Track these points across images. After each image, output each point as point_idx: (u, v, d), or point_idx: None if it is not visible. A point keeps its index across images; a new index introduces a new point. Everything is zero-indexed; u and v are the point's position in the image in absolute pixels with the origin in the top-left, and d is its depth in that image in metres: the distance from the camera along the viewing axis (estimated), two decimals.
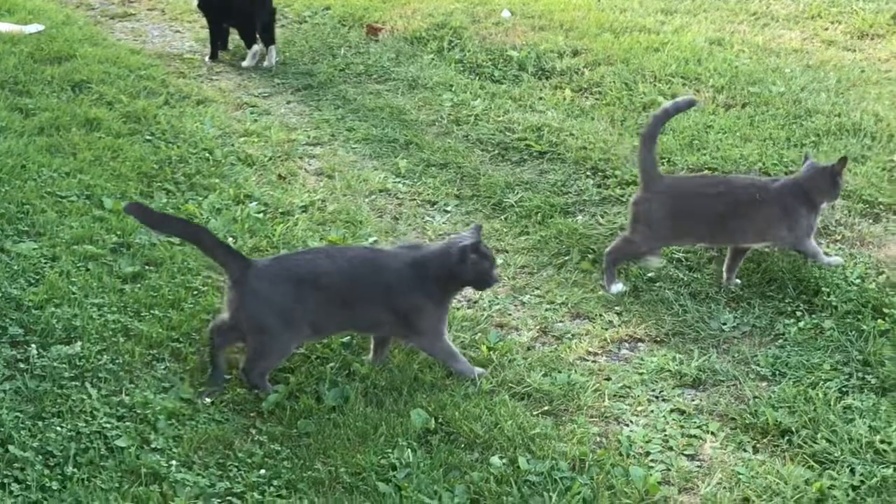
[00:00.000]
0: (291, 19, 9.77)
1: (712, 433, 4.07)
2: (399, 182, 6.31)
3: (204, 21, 8.97)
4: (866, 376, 4.37)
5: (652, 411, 4.21)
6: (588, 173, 6.38)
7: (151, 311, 4.65)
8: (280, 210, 5.78)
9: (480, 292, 4.92)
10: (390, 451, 3.83)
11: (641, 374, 4.45)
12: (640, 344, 4.71)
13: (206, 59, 8.67)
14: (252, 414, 4.08)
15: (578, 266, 5.31)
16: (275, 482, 3.68)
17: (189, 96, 7.61)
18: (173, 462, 3.75)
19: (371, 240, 5.48)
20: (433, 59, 8.44)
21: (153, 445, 3.83)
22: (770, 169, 6.28)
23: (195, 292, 4.83)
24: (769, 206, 5.02)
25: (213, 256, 4.28)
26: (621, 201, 6.00)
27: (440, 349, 4.33)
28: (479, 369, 4.37)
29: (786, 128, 6.92)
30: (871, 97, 7.47)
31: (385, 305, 4.22)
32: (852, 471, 3.81)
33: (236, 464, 3.78)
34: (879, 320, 4.69)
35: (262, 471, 3.73)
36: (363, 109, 7.44)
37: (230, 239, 5.34)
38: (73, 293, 4.70)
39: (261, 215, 5.68)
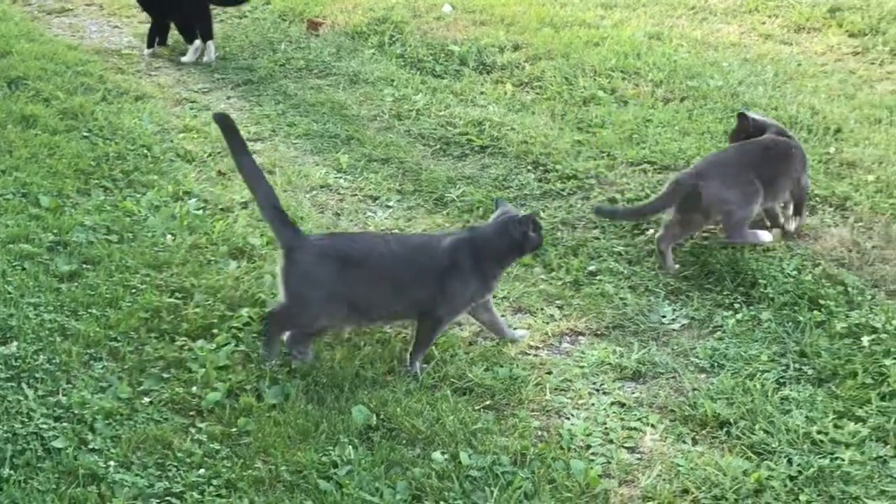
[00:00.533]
0: (231, 14, 9.70)
1: (652, 425, 4.10)
2: (340, 177, 6.29)
3: (143, 16, 8.88)
4: (803, 367, 4.42)
5: (593, 404, 4.23)
6: (529, 167, 6.39)
7: (89, 310, 4.60)
8: (220, 206, 5.75)
9: None
10: (331, 448, 3.82)
11: (582, 367, 4.47)
12: (580, 337, 4.74)
13: (144, 51, 8.59)
14: (191, 413, 4.05)
15: (520, 261, 5.31)
16: (214, 482, 3.66)
17: (127, 92, 7.54)
18: (111, 462, 3.72)
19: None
20: (374, 53, 8.42)
21: (91, 446, 3.80)
22: None
23: (133, 290, 4.79)
24: None
25: (265, 218, 4.42)
26: (562, 195, 6.03)
27: (437, 326, 4.37)
28: (423, 365, 4.37)
29: (724, 121, 6.97)
30: (808, 90, 7.55)
31: (435, 288, 4.31)
32: (790, 461, 3.86)
33: (175, 463, 3.75)
34: (815, 311, 4.75)
35: (202, 470, 3.71)
36: (304, 105, 7.40)
37: (169, 236, 5.30)
38: (9, 292, 4.64)
39: (200, 212, 5.64)
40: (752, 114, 5.76)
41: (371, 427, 3.97)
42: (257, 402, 4.08)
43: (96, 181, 5.95)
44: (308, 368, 4.28)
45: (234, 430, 3.94)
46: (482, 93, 7.62)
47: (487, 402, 4.20)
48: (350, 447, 3.82)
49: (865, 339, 4.53)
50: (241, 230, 5.43)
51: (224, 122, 4.51)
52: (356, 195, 6.07)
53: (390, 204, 5.95)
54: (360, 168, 6.40)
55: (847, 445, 3.93)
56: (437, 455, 3.82)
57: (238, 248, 5.27)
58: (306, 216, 5.67)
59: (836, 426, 4.03)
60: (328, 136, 6.87)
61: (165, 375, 4.24)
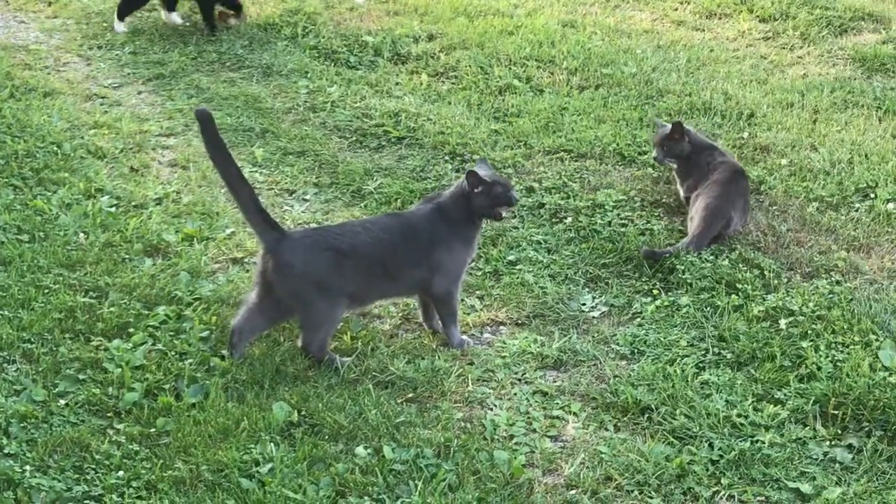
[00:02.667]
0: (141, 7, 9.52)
1: (574, 414, 4.12)
2: (256, 171, 6.21)
3: (50, 11, 8.70)
4: (722, 351, 4.46)
5: (515, 394, 4.23)
6: (446, 158, 6.37)
7: (0, 312, 4.50)
8: (133, 203, 5.65)
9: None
10: (253, 446, 3.78)
11: (504, 357, 4.46)
12: (501, 327, 4.74)
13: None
14: (109, 414, 3.98)
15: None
16: (134, 483, 3.61)
17: (35, 88, 7.37)
18: (27, 467, 3.65)
19: (229, 231, 5.39)
20: (287, 45, 8.32)
21: (6, 450, 3.73)
22: (624, 150, 6.37)
23: (46, 291, 4.70)
24: None
25: (247, 218, 4.40)
26: None
27: (449, 299, 4.50)
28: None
29: (638, 108, 7.02)
30: (721, 76, 7.63)
31: (426, 262, 4.44)
32: (711, 445, 3.90)
33: (94, 466, 3.69)
34: (733, 296, 4.80)
35: (121, 472, 3.66)
36: (217, 98, 7.30)
37: (81, 235, 5.20)
38: None
39: (113, 209, 5.54)
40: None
41: (293, 423, 3.93)
42: (176, 402, 4.02)
43: (5, 180, 5.81)
44: (227, 366, 4.22)
45: (153, 430, 3.88)
46: (398, 83, 7.58)
47: (410, 395, 4.18)
48: (272, 444, 3.78)
49: (783, 322, 4.59)
50: (155, 227, 5.34)
51: (205, 118, 4.40)
52: (272, 189, 6.00)
53: (307, 197, 5.90)
54: (275, 161, 6.33)
55: (767, 428, 3.98)
56: (360, 450, 3.79)
57: (153, 245, 5.19)
58: (222, 211, 5.59)
59: (755, 409, 4.08)
60: (242, 129, 6.79)
61: (81, 377, 4.17)
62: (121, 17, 8.65)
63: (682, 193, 5.72)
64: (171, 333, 4.44)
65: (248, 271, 5.01)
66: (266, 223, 4.31)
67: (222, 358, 4.29)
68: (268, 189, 5.99)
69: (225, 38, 8.48)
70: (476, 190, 4.47)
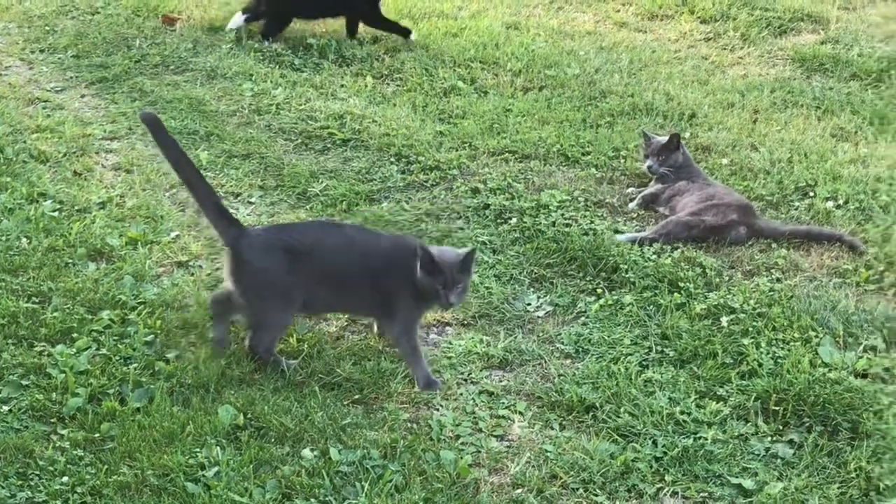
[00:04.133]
0: (83, 10, 9.46)
1: (520, 413, 4.14)
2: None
3: None
4: (665, 349, 4.51)
5: (461, 394, 4.25)
6: (392, 160, 6.39)
7: None
8: (76, 208, 5.60)
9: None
10: (199, 450, 3.77)
11: (450, 357, 4.48)
12: (447, 328, 4.75)
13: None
14: (52, 420, 3.95)
15: None
16: (79, 489, 3.58)
17: None
18: None
19: (174, 234, 5.37)
20: (231, 48, 8.30)
21: None
22: (568, 151, 6.42)
23: None
24: None
25: (205, 214, 4.38)
26: (425, 186, 6.04)
27: (403, 341, 4.33)
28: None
29: (581, 109, 7.07)
30: (662, 77, 7.71)
31: (378, 297, 4.34)
32: (654, 443, 3.93)
33: (37, 472, 3.66)
34: (675, 294, 4.86)
35: (65, 478, 3.63)
36: (161, 101, 7.26)
37: (24, 240, 5.15)
38: None
39: (56, 213, 5.49)
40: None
41: (239, 426, 3.92)
42: (121, 406, 4.00)
43: None
44: (172, 369, 4.20)
45: (98, 435, 3.85)
46: (342, 86, 7.59)
47: (356, 397, 4.19)
48: (217, 448, 3.77)
49: (724, 320, 4.65)
50: (99, 231, 5.30)
51: (151, 121, 4.42)
52: (217, 192, 5.97)
53: (253, 200, 5.88)
54: (220, 164, 6.31)
55: (710, 425, 4.02)
56: (306, 452, 3.79)
57: (96, 249, 5.16)
58: (167, 215, 5.57)
59: (698, 406, 4.13)
60: (187, 132, 6.75)
61: (24, 382, 4.13)
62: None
63: (651, 197, 5.81)
64: (116, 338, 4.41)
65: (192, 275, 4.99)
66: (224, 219, 4.30)
67: (167, 362, 4.27)
68: None
69: (169, 42, 8.44)
70: (422, 270, 4.21)
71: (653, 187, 5.88)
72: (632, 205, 5.83)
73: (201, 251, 5.21)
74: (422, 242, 4.28)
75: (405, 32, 8.47)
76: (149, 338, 4.43)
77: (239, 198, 5.91)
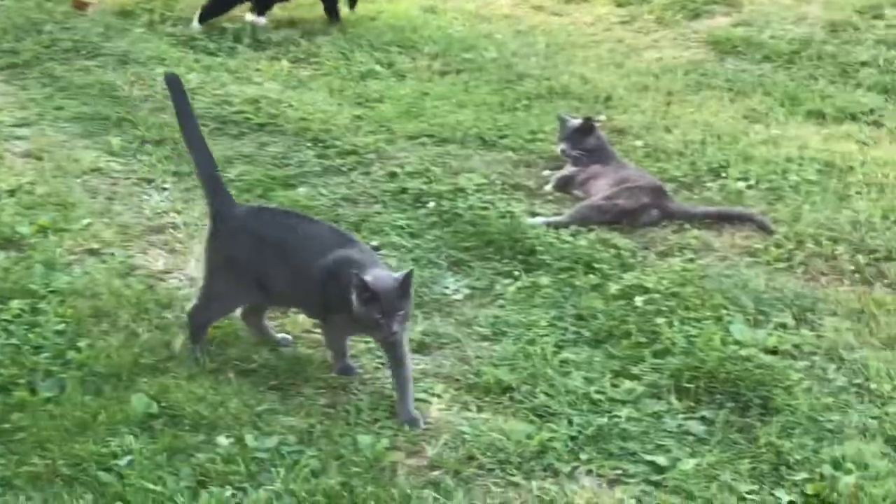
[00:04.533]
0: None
1: (438, 396, 4.14)
2: (113, 161, 6.09)
3: None
4: (580, 330, 4.54)
5: (378, 378, 4.24)
6: (308, 144, 6.36)
7: None
8: None
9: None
10: (111, 439, 3.71)
11: (367, 342, 4.46)
12: None
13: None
14: None
15: None
16: None
17: None
18: None
19: (85, 222, 5.29)
20: (144, 32, 8.18)
21: None
22: (485, 134, 6.44)
23: None
24: None
25: (201, 181, 4.39)
26: (342, 171, 6.02)
27: (334, 343, 4.24)
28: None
29: (499, 93, 7.10)
30: (579, 60, 7.76)
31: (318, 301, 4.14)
32: (570, 422, 3.96)
33: None
34: (591, 275, 4.90)
35: None
36: (72, 87, 7.15)
37: None
38: None
39: None
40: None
41: (152, 415, 3.87)
42: (31, 396, 3.92)
43: None
44: (84, 358, 4.15)
45: (8, 426, 3.78)
46: (258, 70, 7.53)
47: (272, 383, 4.16)
48: (130, 437, 3.72)
49: (638, 300, 4.70)
50: (8, 219, 5.20)
51: (174, 83, 4.43)
52: (130, 178, 5.90)
53: (166, 186, 5.81)
54: (133, 150, 6.23)
55: (624, 403, 4.06)
56: (221, 439, 3.76)
57: (6, 237, 5.06)
58: (77, 202, 5.49)
59: (613, 385, 4.17)
60: (98, 118, 6.65)
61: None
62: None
63: (565, 180, 5.84)
64: (26, 327, 4.34)
65: (104, 262, 4.93)
66: (217, 189, 4.29)
67: (79, 351, 4.20)
68: (125, 178, 5.89)
69: (80, 27, 8.31)
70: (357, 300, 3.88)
71: (567, 170, 5.91)
72: (547, 187, 5.87)
73: (113, 238, 5.14)
74: (356, 268, 3.90)
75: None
76: (60, 327, 4.37)
77: (152, 184, 5.84)
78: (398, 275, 3.92)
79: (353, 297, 3.86)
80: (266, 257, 4.16)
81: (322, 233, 4.20)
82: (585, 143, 5.90)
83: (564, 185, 5.84)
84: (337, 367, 4.24)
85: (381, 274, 3.94)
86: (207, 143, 4.42)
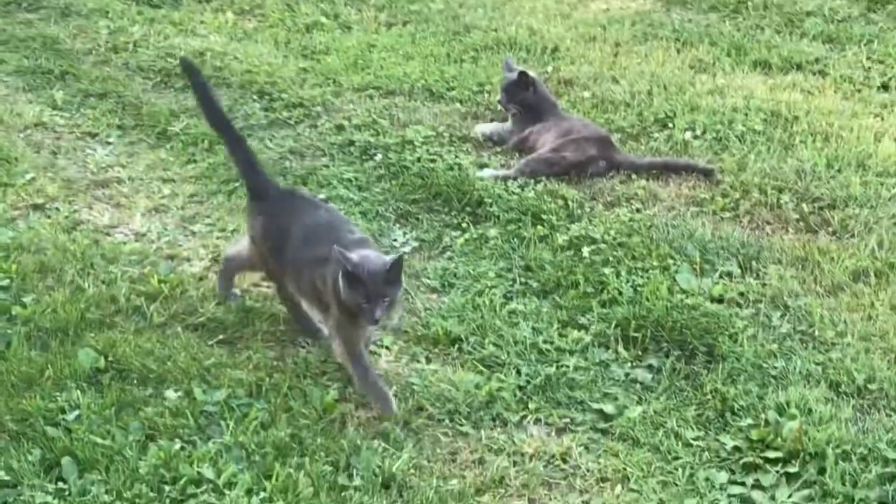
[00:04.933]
0: None
1: (387, 348, 4.15)
2: (56, 115, 6.02)
3: None
4: (528, 281, 4.56)
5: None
6: (254, 97, 6.31)
7: None
8: None
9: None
10: (58, 394, 3.70)
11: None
12: None
13: None
14: None
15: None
16: None
17: None
18: None
19: (29, 176, 5.22)
20: None
21: None
22: (432, 86, 6.41)
23: None
24: None
25: (238, 164, 4.30)
26: (289, 124, 5.98)
27: (349, 363, 3.88)
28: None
29: (446, 44, 7.07)
30: (526, 11, 7.74)
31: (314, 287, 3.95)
32: (518, 372, 3.99)
33: None
34: (538, 226, 4.91)
35: None
36: (14, 40, 7.03)
37: None
38: None
39: None
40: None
41: (100, 370, 3.85)
42: None
43: None
44: (29, 314, 4.11)
45: None
46: (202, 22, 7.45)
47: (221, 337, 4.15)
48: (78, 391, 3.70)
49: (586, 250, 4.72)
50: None
51: (190, 68, 4.36)
52: (74, 132, 5.83)
53: (110, 140, 5.75)
54: (76, 104, 6.15)
55: (571, 353, 4.10)
56: (169, 393, 3.76)
57: None
58: (21, 156, 5.41)
59: (560, 335, 4.20)
60: (41, 72, 6.55)
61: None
62: None
63: (511, 140, 5.81)
64: None
65: (49, 217, 4.88)
66: (253, 165, 4.25)
67: (24, 306, 4.17)
68: (69, 133, 5.82)
69: None
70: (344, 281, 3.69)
71: (509, 125, 5.87)
72: (474, 133, 5.86)
73: (57, 193, 5.09)
74: (340, 246, 3.70)
75: None
76: (4, 282, 4.33)
77: (96, 138, 5.78)
78: (388, 257, 3.72)
79: (340, 278, 3.68)
80: (276, 238, 4.08)
81: (328, 224, 4.01)
82: (521, 97, 5.85)
83: (519, 146, 5.77)
84: (368, 385, 3.84)
85: (371, 255, 3.74)
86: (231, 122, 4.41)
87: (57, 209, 4.97)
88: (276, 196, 4.20)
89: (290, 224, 4.05)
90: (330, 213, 4.17)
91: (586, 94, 6.34)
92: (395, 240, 4.90)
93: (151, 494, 3.28)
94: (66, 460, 3.40)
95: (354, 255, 3.67)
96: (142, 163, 5.45)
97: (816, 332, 4.22)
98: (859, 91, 6.57)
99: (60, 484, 3.32)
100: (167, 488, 3.30)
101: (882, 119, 6.13)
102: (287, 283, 4.14)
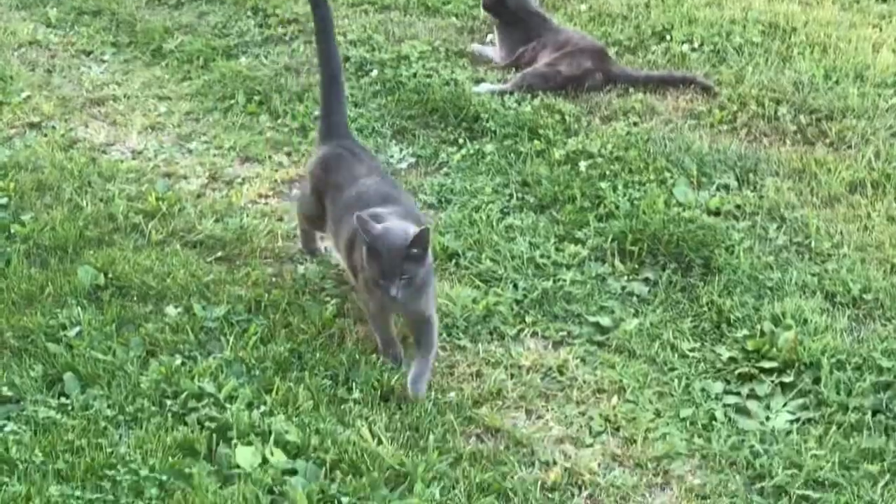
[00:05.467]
0: None
1: None
2: (50, 32, 5.99)
3: None
4: (525, 196, 4.56)
5: (326, 248, 4.25)
6: (249, 13, 6.27)
7: None
8: None
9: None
10: (59, 310, 3.73)
11: None
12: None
13: None
14: None
15: (245, 109, 5.25)
16: None
17: None
18: None
19: (24, 95, 5.20)
20: None
21: None
22: (427, 0, 6.36)
23: None
24: None
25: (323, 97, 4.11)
26: (284, 40, 5.96)
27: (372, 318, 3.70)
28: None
29: None
30: None
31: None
32: (515, 286, 4.01)
33: None
34: (535, 141, 4.91)
35: None
36: None
37: None
38: None
39: None
40: None
41: (99, 287, 3.88)
42: None
43: None
44: (28, 231, 4.12)
45: None
46: None
47: (219, 254, 4.17)
48: (78, 308, 3.73)
49: (582, 164, 4.72)
50: None
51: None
52: (68, 50, 5.81)
53: (105, 58, 5.73)
54: (70, 22, 6.12)
55: (568, 267, 4.11)
56: (170, 309, 3.78)
57: None
58: (16, 75, 5.39)
59: (557, 249, 4.21)
60: None
61: None
62: None
63: (497, 56, 5.77)
64: None
65: (45, 135, 4.88)
66: (332, 113, 4.08)
67: (22, 224, 4.19)
68: (63, 50, 5.80)
69: None
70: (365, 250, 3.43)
71: (495, 38, 5.83)
72: (474, 49, 5.84)
73: (53, 111, 5.08)
74: (364, 212, 3.47)
75: None
76: (3, 200, 4.34)
77: (90, 56, 5.76)
78: (412, 231, 3.40)
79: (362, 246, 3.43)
80: (328, 192, 3.92)
81: (371, 189, 3.78)
82: (499, 7, 5.80)
83: (516, 62, 5.73)
84: (385, 354, 3.67)
85: (394, 227, 3.44)
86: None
87: (53, 127, 4.97)
88: (342, 144, 4.02)
89: (343, 178, 3.87)
90: (385, 182, 3.90)
91: (583, 6, 6.30)
92: (392, 156, 4.90)
93: (153, 408, 3.31)
94: (68, 376, 3.43)
95: (377, 227, 3.40)
96: (137, 81, 5.44)
97: (813, 244, 4.23)
98: (857, 2, 6.52)
99: (63, 399, 3.35)
100: (169, 402, 3.32)
101: (880, 30, 6.09)
102: (327, 231, 4.00)
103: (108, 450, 3.12)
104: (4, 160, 4.61)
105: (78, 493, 2.96)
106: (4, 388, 3.37)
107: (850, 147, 4.93)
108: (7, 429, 3.21)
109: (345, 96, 4.23)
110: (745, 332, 3.74)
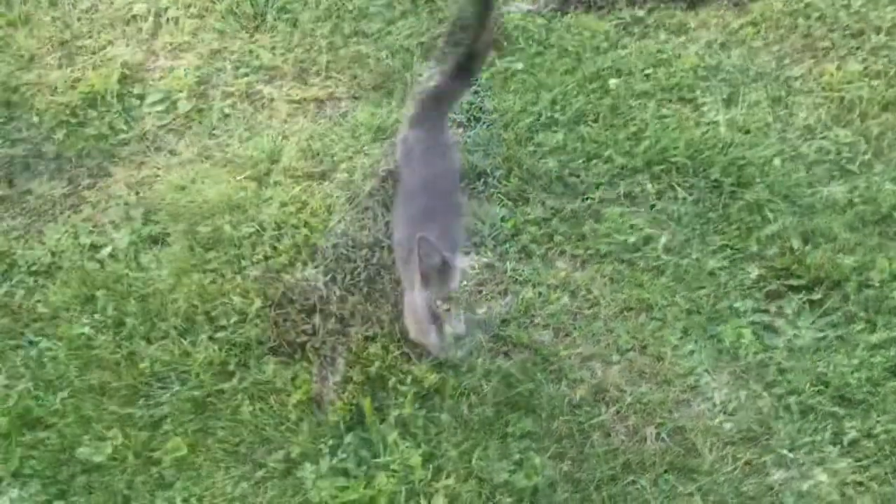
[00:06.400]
0: None
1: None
2: None
3: None
4: (554, 114, 4.53)
5: (355, 166, 4.26)
6: None
7: None
8: None
9: None
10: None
11: (342, 127, 4.46)
12: (341, 102, 4.72)
13: None
14: None
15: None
16: None
17: None
18: None
19: None
20: None
21: None
22: None
23: None
24: None
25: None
26: None
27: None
28: None
29: None
30: None
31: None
32: (543, 205, 4.02)
33: None
34: (565, 59, 4.85)
35: None
36: None
37: None
38: None
39: None
40: None
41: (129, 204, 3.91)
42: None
43: None
44: None
45: None
46: None
47: (248, 173, 4.18)
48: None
49: (612, 82, 4.68)
50: None
51: None
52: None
53: None
54: None
55: (597, 186, 4.11)
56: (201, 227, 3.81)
57: None
58: None
59: (585, 168, 4.20)
60: None
61: None
62: None
63: None
64: None
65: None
66: (431, 101, 3.95)
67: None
68: None
69: None
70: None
71: None
72: None
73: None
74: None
75: None
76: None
77: None
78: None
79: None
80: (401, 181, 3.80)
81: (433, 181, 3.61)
82: None
83: None
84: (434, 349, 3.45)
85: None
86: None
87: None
88: (427, 132, 3.84)
89: (412, 171, 3.72)
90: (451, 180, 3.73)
91: None
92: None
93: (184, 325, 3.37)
94: (101, 293, 3.48)
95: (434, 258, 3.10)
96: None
97: (844, 162, 4.20)
98: None
99: (97, 316, 3.41)
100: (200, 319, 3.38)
101: None
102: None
103: (142, 366, 3.17)
104: None
105: (113, 407, 3.02)
106: (39, 305, 3.42)
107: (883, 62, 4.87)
108: (42, 345, 3.27)
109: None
110: (775, 250, 3.74)
